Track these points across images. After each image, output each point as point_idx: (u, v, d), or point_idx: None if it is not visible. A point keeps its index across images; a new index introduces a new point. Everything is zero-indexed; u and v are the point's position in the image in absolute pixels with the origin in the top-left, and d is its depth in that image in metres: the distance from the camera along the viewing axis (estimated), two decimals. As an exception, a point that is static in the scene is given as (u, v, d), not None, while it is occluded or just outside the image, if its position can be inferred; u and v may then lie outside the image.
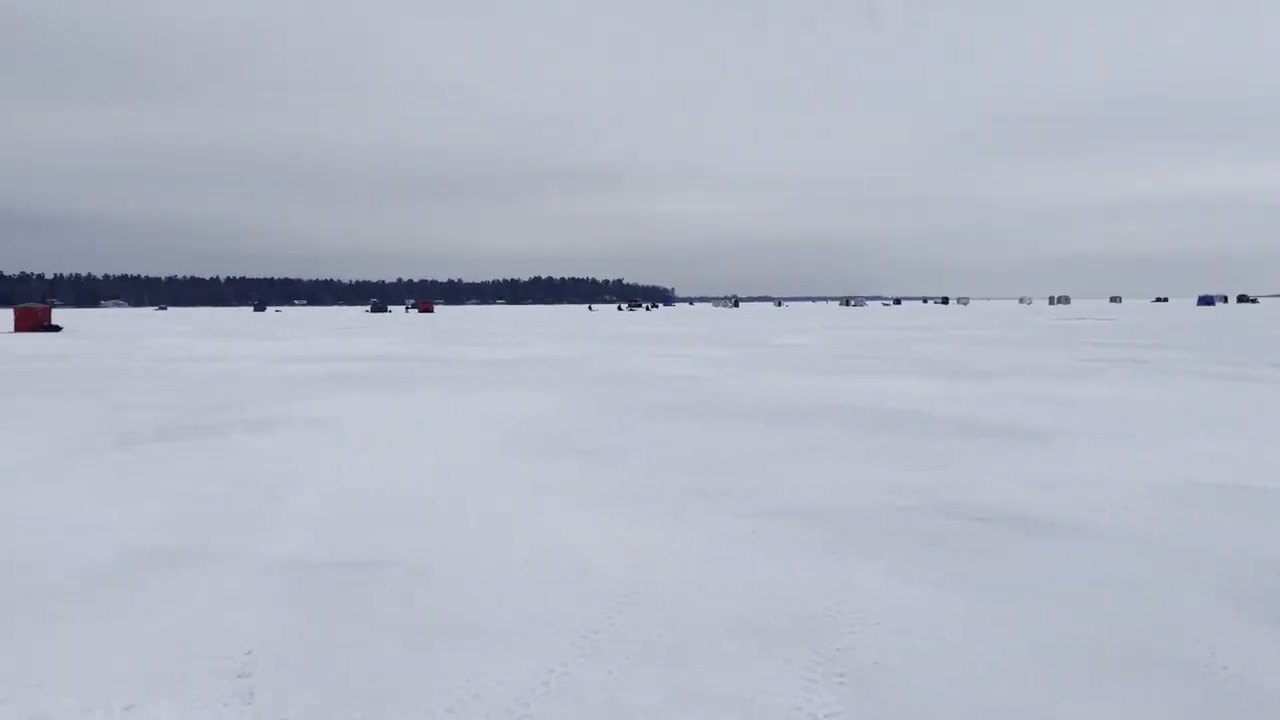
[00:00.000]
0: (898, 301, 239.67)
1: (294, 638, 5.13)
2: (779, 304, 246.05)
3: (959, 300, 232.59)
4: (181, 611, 5.53)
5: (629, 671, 4.67)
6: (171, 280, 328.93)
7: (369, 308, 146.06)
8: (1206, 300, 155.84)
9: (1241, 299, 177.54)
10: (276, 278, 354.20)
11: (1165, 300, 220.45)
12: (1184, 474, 9.48)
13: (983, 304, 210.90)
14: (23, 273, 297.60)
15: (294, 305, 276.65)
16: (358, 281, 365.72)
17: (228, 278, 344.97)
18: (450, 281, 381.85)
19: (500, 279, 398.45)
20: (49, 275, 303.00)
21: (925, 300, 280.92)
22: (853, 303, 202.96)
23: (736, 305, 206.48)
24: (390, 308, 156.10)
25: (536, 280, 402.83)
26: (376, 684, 4.55)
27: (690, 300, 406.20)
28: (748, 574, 6.24)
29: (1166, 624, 5.27)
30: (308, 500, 8.47)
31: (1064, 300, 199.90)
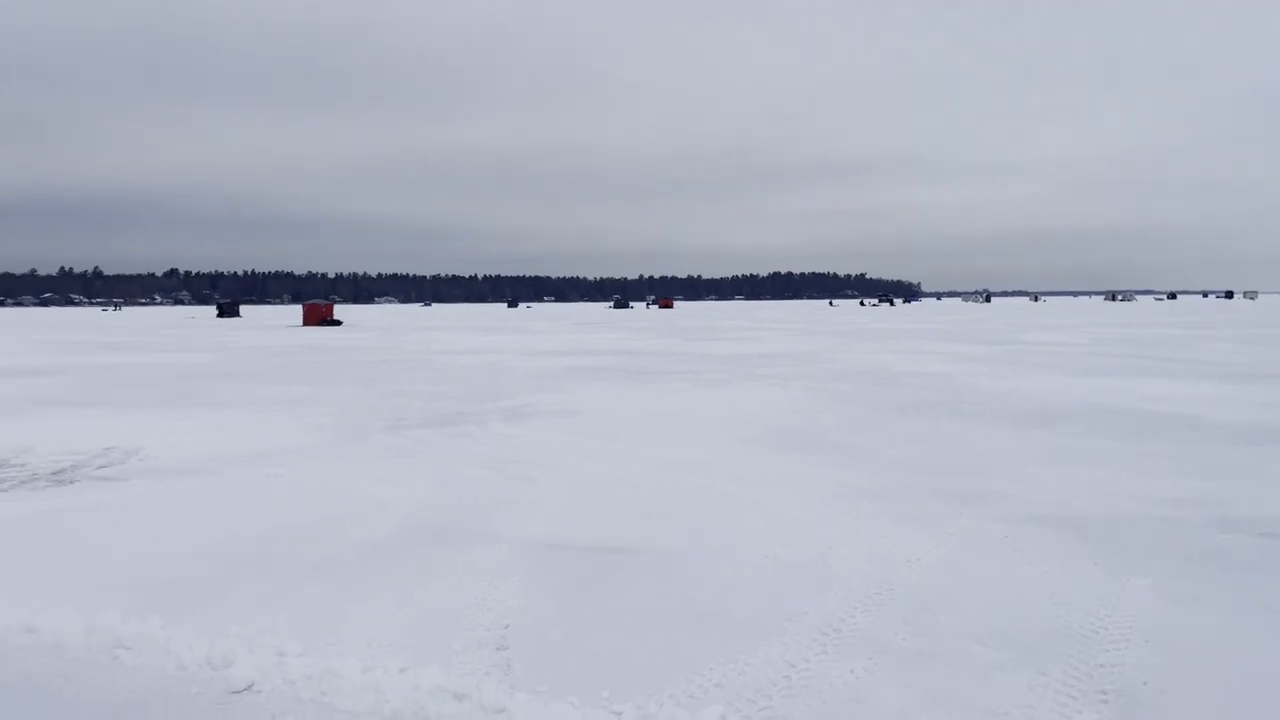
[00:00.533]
0: (1172, 296, 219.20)
1: (548, 615, 5.42)
2: (1035, 299, 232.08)
3: (1245, 294, 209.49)
4: (446, 585, 5.98)
5: (873, 671, 4.60)
6: (435, 278, 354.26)
7: (612, 304, 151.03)
8: None
9: None
10: (527, 275, 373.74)
11: None
12: None
13: (1274, 298, 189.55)
14: (310, 272, 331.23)
15: (543, 301, 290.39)
16: (602, 279, 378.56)
17: (484, 276, 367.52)
18: (690, 278, 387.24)
19: (739, 275, 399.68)
20: (330, 274, 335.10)
21: (1205, 295, 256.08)
22: (1120, 297, 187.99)
23: (988, 300, 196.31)
24: (632, 304, 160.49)
25: (775, 276, 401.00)
26: (623, 665, 4.73)
27: (938, 295, 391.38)
28: (999, 581, 5.97)
29: None
30: (560, 486, 8.90)
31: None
